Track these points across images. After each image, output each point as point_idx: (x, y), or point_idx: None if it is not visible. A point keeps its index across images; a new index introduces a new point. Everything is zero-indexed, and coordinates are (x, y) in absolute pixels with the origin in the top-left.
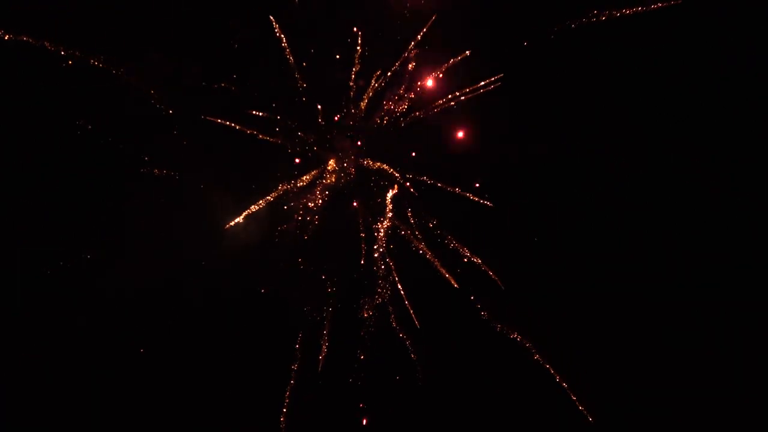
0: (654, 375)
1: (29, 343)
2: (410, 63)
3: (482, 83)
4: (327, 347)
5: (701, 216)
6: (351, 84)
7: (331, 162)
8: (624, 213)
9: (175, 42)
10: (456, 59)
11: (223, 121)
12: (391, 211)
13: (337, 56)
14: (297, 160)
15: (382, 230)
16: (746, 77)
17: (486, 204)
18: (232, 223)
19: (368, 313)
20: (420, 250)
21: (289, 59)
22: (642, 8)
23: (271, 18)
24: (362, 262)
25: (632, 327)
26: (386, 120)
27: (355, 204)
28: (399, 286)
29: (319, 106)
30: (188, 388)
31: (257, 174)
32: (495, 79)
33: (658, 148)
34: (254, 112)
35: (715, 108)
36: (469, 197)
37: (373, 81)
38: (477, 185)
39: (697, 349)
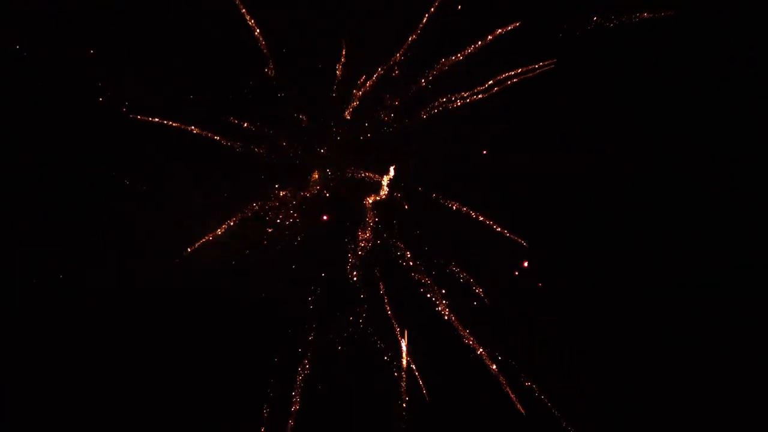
0: (646, 385)
1: (29, 343)
2: (396, 68)
3: (479, 88)
4: (308, 361)
5: (701, 216)
6: (334, 91)
7: (315, 173)
8: (623, 215)
9: (155, 49)
10: (448, 61)
11: (203, 131)
12: (376, 222)
13: (320, 65)
14: (279, 171)
15: (364, 242)
16: (746, 78)
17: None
18: (210, 236)
19: (343, 344)
20: (406, 263)
21: (272, 67)
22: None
23: (252, 23)
24: (346, 272)
25: (629, 335)
26: (373, 129)
27: (337, 216)
28: (384, 299)
29: (303, 117)
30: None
31: (237, 184)
32: (488, 85)
33: (658, 149)
34: (235, 121)
35: (715, 108)
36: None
37: (355, 90)
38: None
39: (694, 353)
